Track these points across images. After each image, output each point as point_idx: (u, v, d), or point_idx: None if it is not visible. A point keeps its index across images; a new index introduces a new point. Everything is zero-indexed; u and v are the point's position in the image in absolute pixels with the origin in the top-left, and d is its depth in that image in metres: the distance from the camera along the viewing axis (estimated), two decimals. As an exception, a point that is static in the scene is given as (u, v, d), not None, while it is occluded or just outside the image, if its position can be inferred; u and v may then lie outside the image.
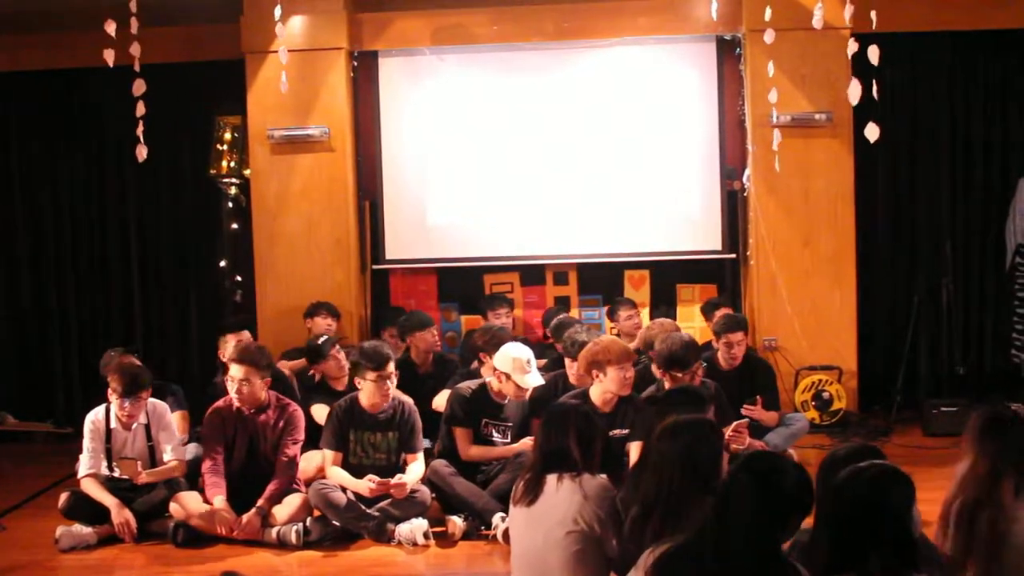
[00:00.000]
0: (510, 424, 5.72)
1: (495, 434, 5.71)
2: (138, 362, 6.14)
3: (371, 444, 5.50)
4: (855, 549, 2.75)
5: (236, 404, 5.53)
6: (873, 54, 4.84)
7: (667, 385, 5.51)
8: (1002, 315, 8.10)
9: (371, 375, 5.42)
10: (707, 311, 7.57)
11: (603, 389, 5.38)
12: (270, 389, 5.62)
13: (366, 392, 5.48)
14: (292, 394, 6.24)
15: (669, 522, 3.35)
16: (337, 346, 6.51)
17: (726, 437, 5.35)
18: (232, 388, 5.49)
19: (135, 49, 5.13)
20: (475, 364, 6.54)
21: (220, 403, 5.61)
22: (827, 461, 3.38)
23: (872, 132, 4.84)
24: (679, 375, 5.47)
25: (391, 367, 5.48)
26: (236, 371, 5.46)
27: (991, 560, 3.44)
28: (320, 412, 6.01)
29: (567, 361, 6.04)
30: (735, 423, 5.49)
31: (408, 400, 5.81)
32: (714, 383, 5.81)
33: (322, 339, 6.52)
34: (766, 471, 2.82)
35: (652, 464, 3.59)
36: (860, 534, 2.75)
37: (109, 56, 5.16)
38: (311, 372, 6.61)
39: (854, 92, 4.76)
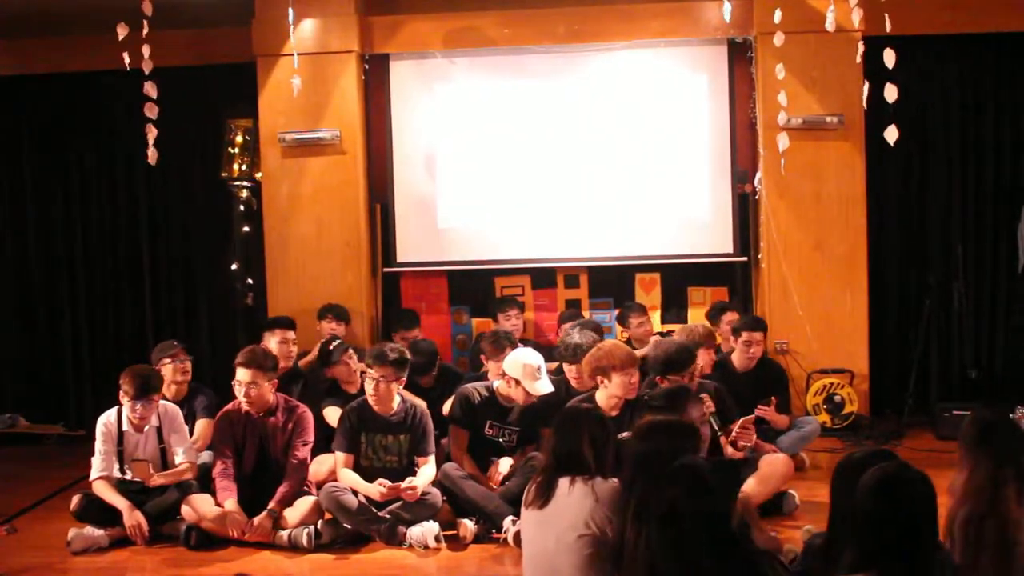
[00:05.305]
0: (516, 428, 5.72)
1: (499, 438, 5.73)
2: (184, 354, 6.25)
3: (382, 446, 5.50)
4: (881, 548, 2.76)
5: (244, 408, 5.53)
6: (889, 57, 4.83)
7: None
8: (1014, 318, 8.07)
9: (370, 371, 5.45)
10: (712, 316, 7.57)
11: (608, 394, 5.37)
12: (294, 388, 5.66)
13: (367, 391, 5.49)
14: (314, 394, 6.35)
15: (643, 521, 3.34)
16: (350, 351, 6.53)
17: (733, 434, 5.35)
18: (240, 392, 5.48)
19: (146, 52, 5.15)
20: (484, 368, 6.54)
21: (229, 407, 5.61)
22: (842, 465, 3.38)
23: (891, 135, 4.84)
24: (676, 378, 5.42)
25: (390, 370, 5.41)
26: (243, 375, 5.45)
27: (1001, 571, 3.41)
28: (332, 414, 6.03)
29: (564, 365, 6.06)
30: (741, 419, 5.45)
31: (420, 403, 5.81)
32: (715, 383, 5.80)
33: (334, 344, 6.57)
34: (693, 481, 3.08)
35: (624, 466, 3.62)
36: (887, 534, 2.79)
37: (123, 59, 5.19)
38: (327, 373, 6.63)
39: (868, 95, 4.76)
